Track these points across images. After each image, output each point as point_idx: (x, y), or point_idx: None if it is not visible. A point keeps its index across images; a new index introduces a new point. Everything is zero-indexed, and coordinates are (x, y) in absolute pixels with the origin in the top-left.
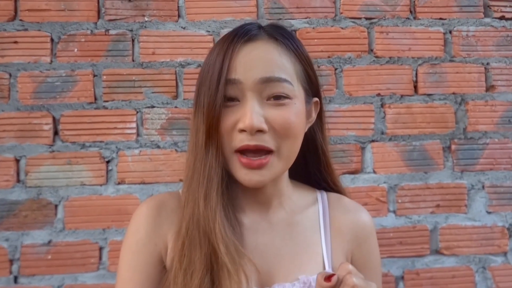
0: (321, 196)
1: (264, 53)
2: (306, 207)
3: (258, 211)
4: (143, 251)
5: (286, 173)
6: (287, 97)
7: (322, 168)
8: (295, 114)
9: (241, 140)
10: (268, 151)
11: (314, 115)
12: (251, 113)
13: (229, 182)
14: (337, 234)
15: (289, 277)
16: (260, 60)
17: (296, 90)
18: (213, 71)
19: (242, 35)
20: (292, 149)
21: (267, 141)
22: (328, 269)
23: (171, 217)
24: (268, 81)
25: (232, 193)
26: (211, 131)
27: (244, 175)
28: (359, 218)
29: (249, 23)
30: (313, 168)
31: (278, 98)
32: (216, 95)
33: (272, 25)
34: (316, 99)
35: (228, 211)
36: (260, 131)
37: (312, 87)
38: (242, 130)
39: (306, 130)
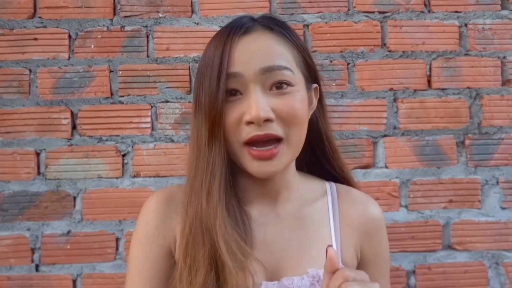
0: (330, 188)
1: (262, 43)
2: (314, 199)
3: (266, 204)
4: (153, 244)
5: (293, 165)
6: (289, 84)
7: (328, 154)
8: (300, 101)
9: (249, 132)
10: (277, 140)
11: (315, 102)
12: (256, 104)
13: (238, 176)
14: (347, 227)
15: (297, 271)
16: (258, 51)
17: (297, 77)
18: (212, 67)
19: (237, 28)
20: (300, 136)
21: (275, 129)
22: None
23: (180, 210)
24: (269, 70)
25: (240, 186)
26: (214, 127)
27: (256, 167)
28: (368, 211)
29: (242, 16)
30: (320, 155)
31: (281, 87)
32: (217, 91)
33: (265, 16)
34: (315, 85)
35: (233, 206)
36: (267, 120)
37: (311, 73)
38: (249, 123)
39: (309, 117)
